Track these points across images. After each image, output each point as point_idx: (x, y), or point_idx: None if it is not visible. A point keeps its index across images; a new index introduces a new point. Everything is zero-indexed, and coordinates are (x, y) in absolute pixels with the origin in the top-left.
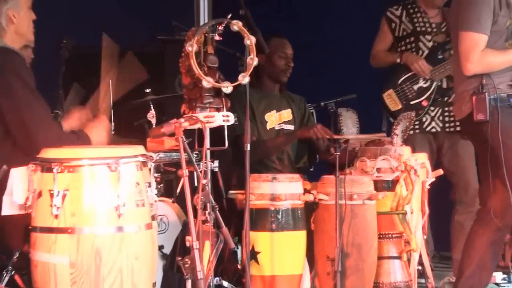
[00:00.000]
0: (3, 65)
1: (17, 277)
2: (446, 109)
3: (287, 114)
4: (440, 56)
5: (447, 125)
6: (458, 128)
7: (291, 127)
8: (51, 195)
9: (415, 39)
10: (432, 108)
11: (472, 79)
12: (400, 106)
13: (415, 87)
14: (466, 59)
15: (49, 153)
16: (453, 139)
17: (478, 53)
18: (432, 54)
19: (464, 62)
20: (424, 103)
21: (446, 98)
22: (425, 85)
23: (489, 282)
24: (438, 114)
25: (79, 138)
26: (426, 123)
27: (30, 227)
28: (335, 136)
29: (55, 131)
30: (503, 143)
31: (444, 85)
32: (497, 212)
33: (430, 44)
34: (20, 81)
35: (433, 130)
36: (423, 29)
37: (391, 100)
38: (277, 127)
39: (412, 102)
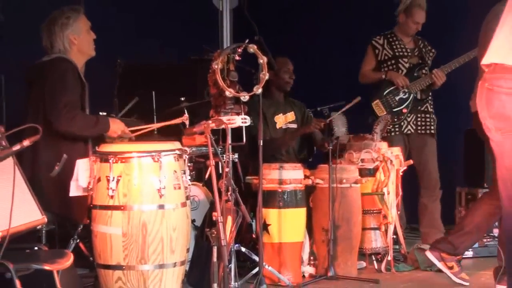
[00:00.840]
0: (58, 67)
1: (81, 245)
2: (419, 115)
3: (291, 115)
4: (415, 74)
5: (419, 128)
6: (427, 131)
7: (294, 126)
8: (108, 180)
9: (395, 62)
10: (408, 114)
11: None
12: (385, 113)
13: (397, 98)
14: None
15: (106, 148)
16: (422, 139)
17: None
18: (409, 72)
19: None
20: (404, 110)
21: (419, 107)
22: (404, 96)
23: (476, 241)
24: (413, 119)
25: (98, 121)
26: (404, 126)
27: (91, 205)
28: (327, 121)
29: (72, 112)
30: None
31: (418, 97)
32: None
33: (407, 65)
34: (61, 77)
35: (408, 132)
36: (401, 53)
37: (378, 107)
38: (284, 127)
39: (394, 110)
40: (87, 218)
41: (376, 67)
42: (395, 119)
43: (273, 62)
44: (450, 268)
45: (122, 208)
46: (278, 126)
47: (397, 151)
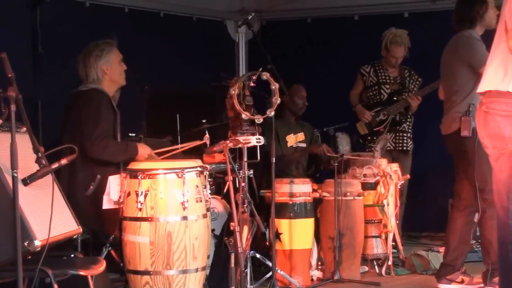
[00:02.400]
0: (91, 97)
1: (112, 252)
2: (397, 134)
3: (301, 136)
4: (395, 98)
5: (397, 145)
6: (403, 148)
7: (304, 145)
8: (137, 194)
9: (378, 88)
10: (388, 133)
11: (463, 104)
12: (367, 132)
13: (377, 119)
14: None
15: (136, 165)
16: (400, 154)
17: None
18: (390, 97)
19: None
20: (381, 129)
21: (397, 127)
22: (383, 118)
23: (468, 251)
24: (392, 138)
25: (127, 148)
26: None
27: (122, 217)
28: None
29: (104, 142)
30: (477, 153)
31: (397, 118)
32: (468, 200)
33: (388, 91)
34: (96, 108)
35: (388, 148)
36: (384, 80)
37: (361, 127)
38: (294, 145)
39: (374, 129)
40: (118, 229)
41: (363, 91)
42: (375, 137)
43: (284, 88)
44: (461, 282)
45: (149, 219)
46: (289, 145)
47: (395, 166)
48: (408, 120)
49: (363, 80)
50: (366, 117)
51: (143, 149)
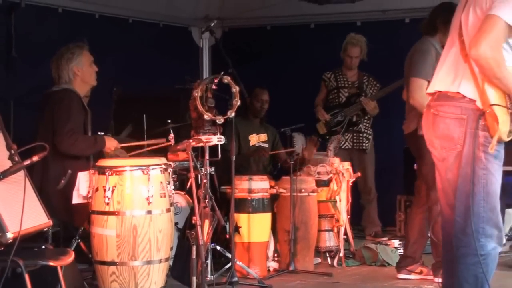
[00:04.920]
0: (63, 97)
1: (81, 244)
2: (354, 134)
3: (264, 137)
4: (352, 101)
5: (354, 144)
6: (361, 147)
7: (266, 145)
8: (104, 190)
9: (337, 91)
10: (346, 134)
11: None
12: (325, 131)
13: (335, 120)
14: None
15: (104, 162)
16: (358, 153)
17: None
18: (348, 100)
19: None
20: (339, 130)
21: (355, 127)
22: (341, 119)
23: (425, 245)
24: (349, 138)
25: (96, 141)
26: (343, 143)
27: (90, 211)
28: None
29: (74, 137)
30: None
31: (354, 119)
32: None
33: (346, 95)
34: (66, 108)
35: (347, 147)
36: (343, 85)
37: (320, 127)
38: (256, 144)
39: (333, 129)
40: (87, 222)
41: (326, 96)
42: (333, 137)
43: (244, 90)
44: (420, 273)
45: (116, 213)
46: (251, 144)
47: (347, 165)
48: (365, 121)
49: (325, 86)
50: (325, 116)
51: (110, 142)
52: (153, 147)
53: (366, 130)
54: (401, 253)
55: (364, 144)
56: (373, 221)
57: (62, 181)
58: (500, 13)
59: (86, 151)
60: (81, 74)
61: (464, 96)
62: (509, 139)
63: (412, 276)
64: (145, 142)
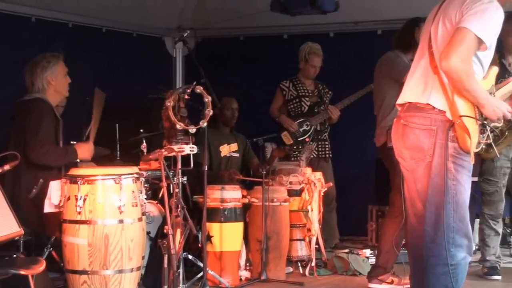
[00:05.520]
0: (34, 106)
1: (53, 253)
2: (319, 143)
3: (234, 146)
4: (316, 110)
5: (320, 153)
6: (325, 155)
7: (237, 155)
8: (76, 199)
9: (299, 100)
10: (311, 142)
11: (389, 118)
12: (292, 142)
13: (301, 129)
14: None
15: (75, 171)
16: (321, 162)
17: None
18: (310, 109)
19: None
20: (307, 139)
21: (319, 136)
22: (307, 128)
23: (397, 255)
24: (315, 147)
25: (67, 152)
26: None
27: (62, 220)
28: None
29: (46, 147)
30: None
31: (318, 128)
32: (400, 208)
33: (308, 104)
34: (37, 117)
35: (312, 156)
36: (304, 94)
37: (286, 137)
38: (228, 155)
39: (299, 139)
40: (58, 231)
41: (283, 105)
42: (300, 146)
43: (217, 100)
44: (391, 282)
45: (88, 222)
46: (222, 155)
47: (319, 175)
48: (327, 129)
49: (283, 95)
50: (292, 126)
51: (83, 150)
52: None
53: (328, 139)
54: (373, 263)
55: (327, 153)
56: (333, 233)
57: (34, 190)
58: (470, 26)
59: (56, 161)
60: (55, 84)
61: (434, 107)
62: (478, 150)
63: (383, 286)
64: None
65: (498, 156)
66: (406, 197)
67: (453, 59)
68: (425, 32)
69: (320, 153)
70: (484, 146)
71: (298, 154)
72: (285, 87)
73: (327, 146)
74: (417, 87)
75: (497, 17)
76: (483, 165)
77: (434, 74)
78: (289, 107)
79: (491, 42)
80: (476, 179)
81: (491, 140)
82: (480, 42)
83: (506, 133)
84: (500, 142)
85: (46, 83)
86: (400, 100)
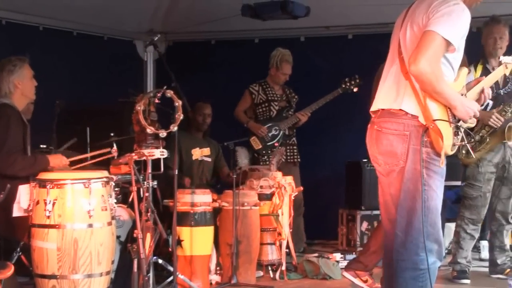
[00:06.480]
0: (0, 114)
1: (22, 257)
2: (288, 147)
3: (206, 151)
4: (284, 115)
5: (288, 158)
6: (294, 159)
7: (209, 160)
8: (45, 203)
9: (268, 105)
10: (280, 147)
11: None
12: (260, 146)
13: (270, 134)
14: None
15: (44, 175)
16: (290, 167)
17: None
18: (279, 113)
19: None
20: (276, 144)
21: (288, 141)
22: (276, 133)
23: (381, 258)
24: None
25: (36, 161)
26: None
27: (31, 224)
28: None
29: (12, 158)
30: None
31: (287, 133)
32: None
33: (277, 108)
34: (4, 125)
35: (281, 161)
36: (272, 98)
37: (255, 142)
38: (199, 159)
39: (268, 144)
40: (27, 235)
41: (250, 108)
42: (269, 151)
43: (187, 105)
44: (365, 281)
45: (57, 226)
46: (194, 158)
47: (289, 179)
48: (294, 133)
49: (251, 98)
50: (262, 130)
51: (56, 159)
52: (98, 159)
53: (296, 143)
54: (342, 267)
55: (295, 157)
56: (301, 237)
57: (1, 195)
58: (437, 29)
59: (25, 171)
60: (22, 87)
61: (406, 113)
62: (453, 152)
63: (356, 281)
64: (88, 155)
65: (474, 156)
66: (380, 201)
67: (422, 63)
68: (394, 38)
69: (288, 157)
70: (464, 152)
71: (267, 159)
72: (255, 90)
73: (295, 150)
74: (390, 94)
75: (464, 18)
76: (467, 170)
77: (405, 79)
78: (257, 111)
79: (459, 43)
80: (459, 183)
81: (466, 142)
82: (448, 44)
83: (488, 139)
84: (482, 147)
85: (12, 86)
86: (373, 108)
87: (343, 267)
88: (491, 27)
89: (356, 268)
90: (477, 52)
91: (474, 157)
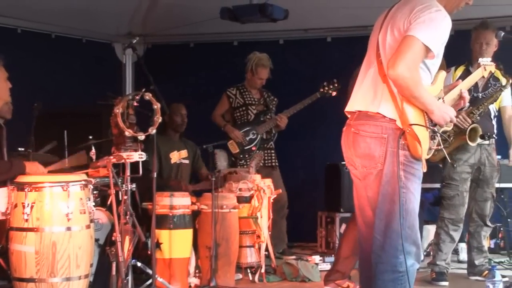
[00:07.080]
0: None
1: (0, 260)
2: (266, 151)
3: (184, 153)
4: (262, 119)
5: (266, 162)
6: (272, 163)
7: (187, 162)
8: (23, 206)
9: (245, 108)
10: (257, 151)
11: None
12: (238, 150)
13: (247, 138)
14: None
15: (23, 178)
16: (268, 170)
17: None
18: (257, 117)
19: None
20: (253, 148)
21: (265, 145)
22: (253, 137)
23: (356, 262)
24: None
25: (13, 165)
26: None
27: (8, 227)
28: None
29: None
30: None
31: (264, 137)
32: None
33: (255, 112)
34: None
35: (259, 164)
36: (250, 102)
37: (232, 146)
38: (177, 162)
39: (246, 148)
40: (5, 238)
41: (228, 112)
42: (246, 155)
43: (166, 107)
44: (347, 287)
45: (35, 230)
46: (172, 161)
47: (268, 182)
48: (273, 137)
49: (229, 102)
50: (237, 135)
51: (33, 167)
52: (76, 165)
53: (273, 147)
54: (323, 269)
55: (273, 161)
56: (283, 238)
57: None
58: (418, 34)
59: (0, 176)
60: None
61: (384, 116)
62: (429, 156)
63: None
64: (66, 164)
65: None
66: (356, 204)
67: (400, 67)
68: (372, 40)
69: (266, 161)
70: (435, 153)
71: (245, 163)
72: (232, 94)
73: (273, 154)
74: (367, 96)
75: (445, 25)
76: (445, 171)
77: (383, 82)
78: (235, 115)
79: (439, 50)
80: (437, 185)
81: (442, 146)
82: (427, 50)
83: (452, 139)
84: (445, 146)
85: None
86: (349, 108)
87: (322, 269)
88: (479, 33)
89: (335, 278)
90: (454, 56)
91: (446, 156)
